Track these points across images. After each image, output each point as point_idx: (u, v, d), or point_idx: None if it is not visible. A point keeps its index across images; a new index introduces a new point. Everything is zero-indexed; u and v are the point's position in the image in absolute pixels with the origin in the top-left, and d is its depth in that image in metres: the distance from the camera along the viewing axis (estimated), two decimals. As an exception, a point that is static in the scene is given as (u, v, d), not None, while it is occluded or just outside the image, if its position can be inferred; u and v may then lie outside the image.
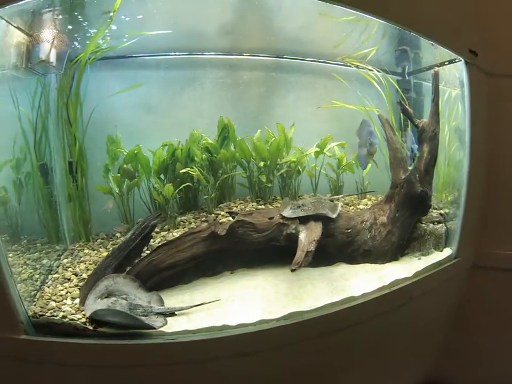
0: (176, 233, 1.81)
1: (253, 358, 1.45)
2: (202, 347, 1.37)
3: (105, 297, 1.44)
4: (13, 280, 1.32)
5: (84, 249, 1.85)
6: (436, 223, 1.89)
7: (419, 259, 1.82)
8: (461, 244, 1.91)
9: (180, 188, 1.90)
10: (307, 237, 1.48)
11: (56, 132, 1.85)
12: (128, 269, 1.55)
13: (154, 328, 1.35)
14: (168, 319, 1.42)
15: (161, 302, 1.51)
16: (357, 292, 1.57)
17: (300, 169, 2.14)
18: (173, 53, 2.02)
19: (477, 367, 2.06)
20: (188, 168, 1.88)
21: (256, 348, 1.43)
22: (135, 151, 1.90)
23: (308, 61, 2.17)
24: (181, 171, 1.89)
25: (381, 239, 1.76)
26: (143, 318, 1.40)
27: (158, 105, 2.03)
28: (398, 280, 1.68)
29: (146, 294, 1.51)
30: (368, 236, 1.75)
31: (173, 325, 1.38)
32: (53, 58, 1.71)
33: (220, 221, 1.67)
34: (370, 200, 2.25)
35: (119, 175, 1.90)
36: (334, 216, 1.68)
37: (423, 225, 1.86)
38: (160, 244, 1.60)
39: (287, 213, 1.66)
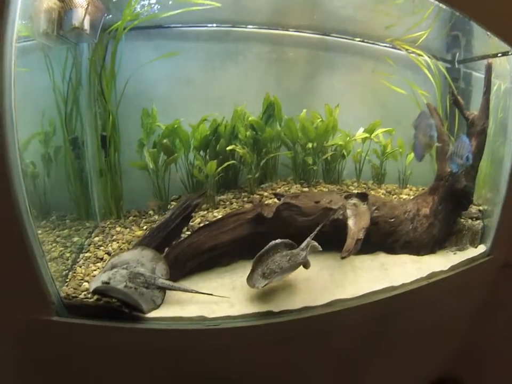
0: (216, 213, 1.75)
1: (292, 344, 1.44)
2: (246, 333, 1.35)
3: (108, 270, 1.38)
4: (45, 260, 1.26)
5: (115, 227, 1.79)
6: (474, 219, 1.86)
7: (455, 254, 1.80)
8: (495, 242, 1.90)
9: (224, 166, 1.80)
10: (356, 224, 1.44)
11: (88, 105, 1.75)
12: (166, 250, 1.50)
13: (143, 312, 1.28)
14: (211, 305, 1.36)
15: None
16: (397, 282, 1.56)
17: (345, 154, 2.06)
18: (215, 25, 1.89)
19: (493, 368, 2.08)
20: (234, 146, 1.78)
21: (298, 334, 1.42)
22: (175, 125, 1.79)
23: (355, 41, 2.05)
24: (227, 148, 1.78)
25: (422, 231, 1.72)
26: (143, 289, 1.33)
27: (197, 78, 1.92)
28: (435, 273, 1.67)
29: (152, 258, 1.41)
30: (410, 227, 1.71)
31: (215, 311, 1.35)
32: (86, 25, 1.58)
33: (265, 203, 1.61)
34: (411, 190, 2.20)
35: (155, 150, 1.80)
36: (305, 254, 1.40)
37: (462, 220, 1.83)
38: (201, 225, 1.54)
39: (262, 282, 1.35)
